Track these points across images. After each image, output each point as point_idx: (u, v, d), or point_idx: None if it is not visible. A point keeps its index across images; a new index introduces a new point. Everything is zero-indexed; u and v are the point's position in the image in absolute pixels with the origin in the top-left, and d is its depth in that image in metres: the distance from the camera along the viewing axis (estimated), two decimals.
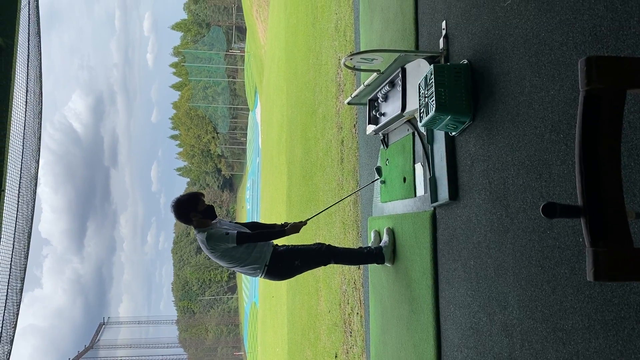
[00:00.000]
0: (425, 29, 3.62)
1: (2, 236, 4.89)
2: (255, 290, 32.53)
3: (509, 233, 2.52)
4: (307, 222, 4.39)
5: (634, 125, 1.83)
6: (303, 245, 4.37)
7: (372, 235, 4.59)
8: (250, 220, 3.94)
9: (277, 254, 4.21)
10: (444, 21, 3.30)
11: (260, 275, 4.25)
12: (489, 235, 2.71)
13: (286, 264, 4.22)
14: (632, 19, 1.85)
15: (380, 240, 4.38)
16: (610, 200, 1.07)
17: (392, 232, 4.22)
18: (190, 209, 4.10)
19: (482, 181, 2.80)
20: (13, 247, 5.19)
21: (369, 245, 4.55)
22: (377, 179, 4.58)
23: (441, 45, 3.31)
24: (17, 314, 5.40)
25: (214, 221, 4.19)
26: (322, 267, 4.71)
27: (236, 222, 4.45)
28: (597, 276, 1.04)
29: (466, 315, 2.92)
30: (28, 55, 5.72)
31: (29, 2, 5.73)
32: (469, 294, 2.89)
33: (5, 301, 5.10)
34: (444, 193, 3.20)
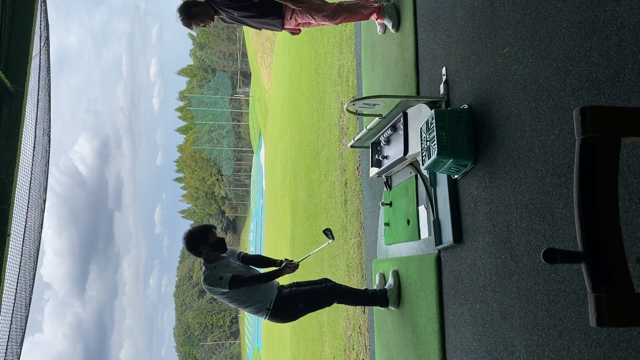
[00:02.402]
0: (426, 75, 3.71)
1: (5, 283, 4.87)
2: (258, 336, 31.95)
3: (514, 276, 2.51)
4: (299, 262, 4.41)
5: (634, 169, 1.86)
6: (307, 285, 4.35)
7: (377, 278, 4.56)
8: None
9: (280, 298, 4.19)
10: (444, 67, 3.39)
11: (265, 317, 4.27)
12: (494, 278, 2.70)
13: (290, 307, 4.21)
14: (627, 66, 1.90)
15: (385, 283, 4.35)
16: (610, 246, 1.08)
17: (397, 275, 4.20)
18: (201, 241, 4.14)
19: (486, 224, 2.81)
20: (15, 297, 5.16)
21: (374, 288, 4.52)
22: (329, 242, 4.82)
23: (442, 90, 3.39)
24: None
25: (223, 254, 4.23)
26: (327, 309, 4.69)
27: (245, 254, 4.47)
28: (599, 322, 1.05)
29: None
30: (37, 103, 5.85)
31: (40, 50, 5.90)
32: (476, 339, 2.85)
33: (5, 353, 5.04)
34: (448, 236, 3.20)
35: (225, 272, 4.07)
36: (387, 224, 4.50)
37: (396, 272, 4.22)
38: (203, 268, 4.18)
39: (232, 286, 3.98)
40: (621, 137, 1.15)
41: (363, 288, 4.85)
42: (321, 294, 4.20)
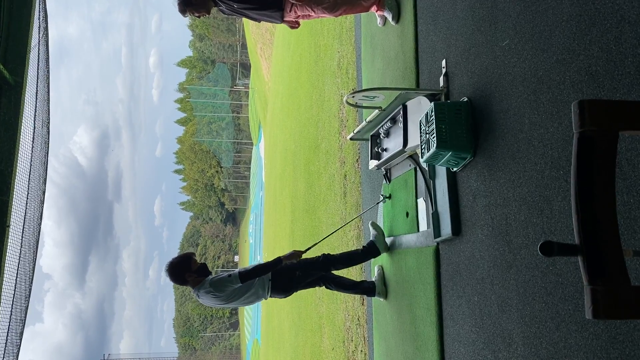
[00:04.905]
0: (426, 68, 3.71)
1: (4, 274, 4.89)
2: (257, 327, 32.07)
3: (512, 269, 2.52)
4: (306, 251, 4.44)
5: (632, 162, 1.86)
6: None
7: (376, 270, 4.58)
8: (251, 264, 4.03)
9: (277, 271, 4.26)
10: (444, 60, 3.38)
11: (267, 293, 4.27)
12: (492, 271, 2.71)
13: (287, 276, 4.29)
14: (626, 59, 1.90)
15: (383, 272, 4.43)
16: (606, 239, 1.09)
17: (377, 227, 4.45)
18: (185, 270, 4.13)
19: (485, 217, 2.82)
20: (15, 288, 5.18)
21: (373, 279, 4.56)
22: (381, 200, 4.68)
23: (441, 83, 3.38)
24: (17, 355, 5.35)
25: (207, 278, 4.21)
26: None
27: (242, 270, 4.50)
28: (595, 314, 1.06)
29: (471, 352, 2.89)
30: (36, 94, 5.84)
31: (39, 41, 5.88)
32: (474, 331, 2.87)
33: (5, 344, 5.06)
34: (446, 228, 3.21)
35: (229, 273, 4.17)
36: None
37: (376, 224, 4.49)
38: (196, 292, 4.13)
39: (242, 279, 4.06)
40: (619, 130, 1.15)
41: (359, 277, 4.89)
42: (316, 261, 4.35)
